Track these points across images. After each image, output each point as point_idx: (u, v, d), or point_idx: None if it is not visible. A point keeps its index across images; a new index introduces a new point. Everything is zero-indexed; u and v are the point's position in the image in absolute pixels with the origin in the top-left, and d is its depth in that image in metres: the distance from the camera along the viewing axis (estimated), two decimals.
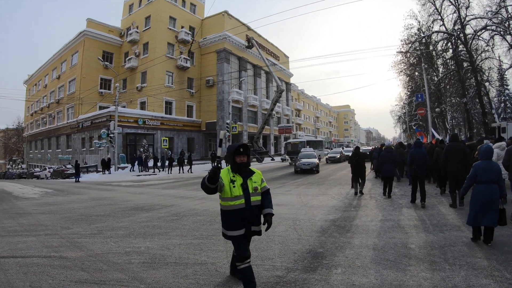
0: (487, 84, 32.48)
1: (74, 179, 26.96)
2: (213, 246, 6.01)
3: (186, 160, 29.65)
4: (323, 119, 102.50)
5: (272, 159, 44.70)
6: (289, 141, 38.81)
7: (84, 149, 40.44)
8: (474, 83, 31.22)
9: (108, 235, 7.14)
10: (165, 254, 5.61)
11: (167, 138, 31.12)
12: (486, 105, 40.53)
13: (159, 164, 31.33)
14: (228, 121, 36.84)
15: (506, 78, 37.80)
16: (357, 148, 12.70)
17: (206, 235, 6.86)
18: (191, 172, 28.25)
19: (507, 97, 41.74)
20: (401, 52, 34.30)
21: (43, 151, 55.23)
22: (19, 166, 67.48)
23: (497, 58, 30.81)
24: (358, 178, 11.98)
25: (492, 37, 28.92)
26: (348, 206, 9.75)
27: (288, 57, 65.99)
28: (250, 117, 50.97)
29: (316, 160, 23.32)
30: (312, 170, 22.38)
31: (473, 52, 30.00)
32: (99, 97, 43.16)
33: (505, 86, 40.45)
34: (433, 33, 32.42)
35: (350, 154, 39.07)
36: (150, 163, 31.51)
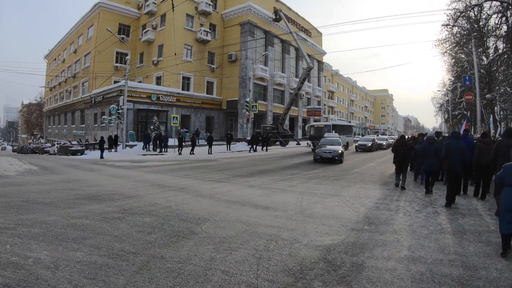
0: None
1: (99, 156, 25.49)
2: (113, 274, 3.97)
3: (199, 140, 27.71)
4: (358, 103, 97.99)
5: (298, 143, 42.29)
6: (312, 124, 36.17)
7: (96, 125, 39.64)
8: None
9: (15, 233, 5.59)
10: (42, 275, 3.88)
11: (178, 116, 28.91)
12: None
13: (173, 143, 29.52)
14: (247, 99, 34.48)
15: None
16: (403, 137, 12.30)
17: (125, 251, 4.80)
18: (210, 153, 27.31)
19: None
20: (447, 25, 30.15)
21: (60, 126, 55.58)
22: (39, 141, 68.05)
23: None
24: (401, 171, 11.58)
25: None
26: (363, 220, 6.92)
27: (321, 33, 62.47)
28: (276, 96, 48.35)
29: (340, 148, 20.29)
30: (334, 159, 19.54)
31: None
32: (115, 71, 41.79)
33: None
34: (485, 1, 28.42)
35: (383, 142, 36.37)
36: (171, 141, 30.03)
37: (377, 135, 72.54)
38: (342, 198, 9.25)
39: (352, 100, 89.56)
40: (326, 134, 27.16)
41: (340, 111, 77.99)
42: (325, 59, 64.88)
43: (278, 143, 36.64)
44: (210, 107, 43.17)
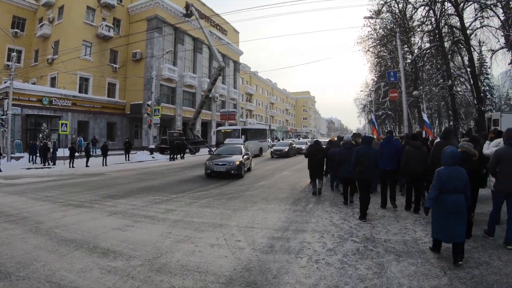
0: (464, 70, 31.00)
1: None
2: None
3: (96, 150, 26.39)
4: (278, 105, 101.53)
5: (210, 150, 42.35)
6: (220, 128, 35.74)
7: None
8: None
9: None
10: None
11: (67, 122, 27.65)
12: (466, 95, 39.16)
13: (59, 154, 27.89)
14: (149, 103, 33.90)
15: (486, 65, 35.95)
16: (318, 142, 12.52)
17: None
18: (105, 165, 25.91)
19: (487, 87, 40.61)
20: (370, 17, 30.92)
21: None
22: None
23: (496, 27, 27.82)
24: (316, 177, 12.02)
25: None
26: (240, 275, 5.10)
27: (238, 33, 64.16)
28: (186, 99, 48.82)
29: (238, 158, 17.52)
30: (230, 173, 16.84)
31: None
32: (6, 71, 38.87)
33: (485, 75, 39.24)
34: None
35: (303, 146, 37.33)
36: (61, 152, 28.10)
37: (299, 138, 75.07)
38: (226, 230, 7.62)
39: (272, 103, 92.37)
40: (226, 140, 26.40)
41: (259, 115, 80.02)
42: (244, 60, 66.22)
43: (188, 151, 36.37)
44: (112, 112, 42.10)
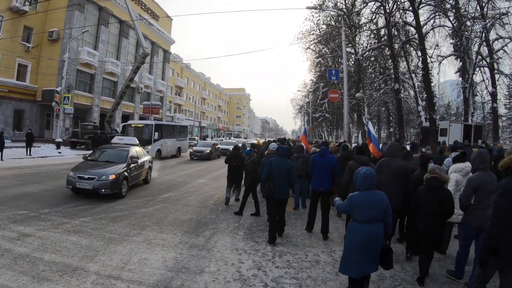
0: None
1: None
2: None
3: None
4: (211, 101, 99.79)
5: None
6: (129, 122, 32.85)
7: None
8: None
9: None
10: None
11: None
12: (408, 101, 39.54)
13: None
14: (57, 89, 31.36)
15: (431, 72, 36.10)
16: (237, 149, 12.00)
17: None
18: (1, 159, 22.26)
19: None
20: (314, 8, 29.38)
21: None
22: None
23: (450, 27, 28.12)
24: (233, 183, 11.66)
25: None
26: None
27: (171, 19, 61.95)
28: (107, 88, 46.12)
29: (115, 171, 12.15)
30: (99, 192, 11.56)
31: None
32: None
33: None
34: None
35: (230, 148, 35.82)
36: None
37: (229, 138, 74.10)
38: (77, 282, 5.33)
39: (204, 98, 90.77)
40: (115, 139, 22.25)
41: (189, 110, 77.92)
42: (177, 51, 63.98)
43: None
44: (21, 98, 37.95)
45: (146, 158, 15.79)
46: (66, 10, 38.75)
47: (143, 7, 50.51)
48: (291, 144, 17.76)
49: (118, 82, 46.59)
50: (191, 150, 31.17)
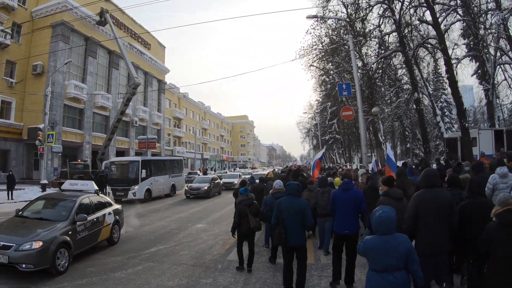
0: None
1: None
2: None
3: None
4: (212, 131, 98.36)
5: None
6: (113, 160, 30.65)
7: None
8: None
9: None
10: None
11: None
12: (425, 110, 37.31)
13: None
14: (40, 126, 30.07)
15: (442, 79, 34.05)
16: (243, 184, 10.12)
17: None
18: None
19: (445, 103, 39.59)
20: (315, 17, 27.16)
21: None
22: None
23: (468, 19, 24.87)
24: (244, 239, 8.28)
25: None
26: None
27: (164, 47, 61.09)
28: (98, 123, 44.53)
29: (43, 234, 7.99)
30: (18, 268, 7.42)
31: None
32: None
33: (441, 90, 38.35)
34: None
35: (234, 180, 33.37)
36: None
37: (234, 169, 72.23)
38: None
39: (204, 129, 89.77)
40: (66, 184, 12.61)
41: (189, 142, 76.37)
42: (173, 80, 62.95)
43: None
44: (5, 137, 36.58)
45: (109, 209, 11.40)
46: (50, 42, 37.81)
47: (133, 36, 49.38)
48: (305, 175, 15.19)
49: (110, 116, 44.81)
50: (186, 188, 28.22)
